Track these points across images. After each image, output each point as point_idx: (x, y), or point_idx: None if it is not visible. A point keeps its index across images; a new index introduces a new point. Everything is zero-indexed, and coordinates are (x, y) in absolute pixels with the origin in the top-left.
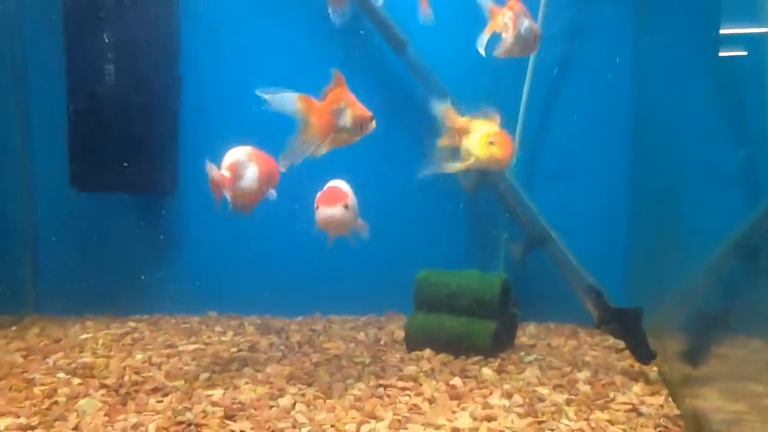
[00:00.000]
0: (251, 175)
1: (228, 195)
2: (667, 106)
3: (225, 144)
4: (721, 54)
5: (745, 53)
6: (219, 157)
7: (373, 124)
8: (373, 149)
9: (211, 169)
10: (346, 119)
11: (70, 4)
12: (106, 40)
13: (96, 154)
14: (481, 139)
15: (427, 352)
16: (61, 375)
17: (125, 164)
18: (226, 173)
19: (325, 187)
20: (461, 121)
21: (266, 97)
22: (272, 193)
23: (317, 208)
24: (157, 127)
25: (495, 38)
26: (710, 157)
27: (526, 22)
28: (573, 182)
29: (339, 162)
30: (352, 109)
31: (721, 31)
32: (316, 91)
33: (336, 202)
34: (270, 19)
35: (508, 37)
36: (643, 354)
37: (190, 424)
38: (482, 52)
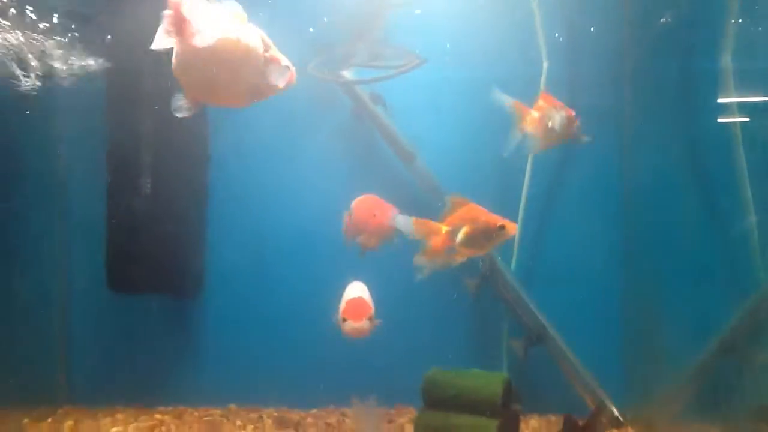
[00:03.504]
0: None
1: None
2: (652, 215)
3: (248, 249)
4: (703, 168)
5: (726, 169)
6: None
7: (509, 230)
8: (384, 251)
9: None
10: (465, 237)
11: (114, 124)
12: (144, 156)
13: (131, 261)
14: None
15: None
16: None
17: (157, 269)
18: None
19: (348, 296)
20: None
21: (398, 222)
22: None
23: (344, 320)
24: (186, 235)
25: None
26: (695, 261)
27: (557, 117)
28: (572, 287)
29: (353, 263)
30: (471, 225)
31: (703, 148)
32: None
33: (362, 316)
34: (294, 131)
35: (536, 136)
36: None
37: None
38: (506, 154)
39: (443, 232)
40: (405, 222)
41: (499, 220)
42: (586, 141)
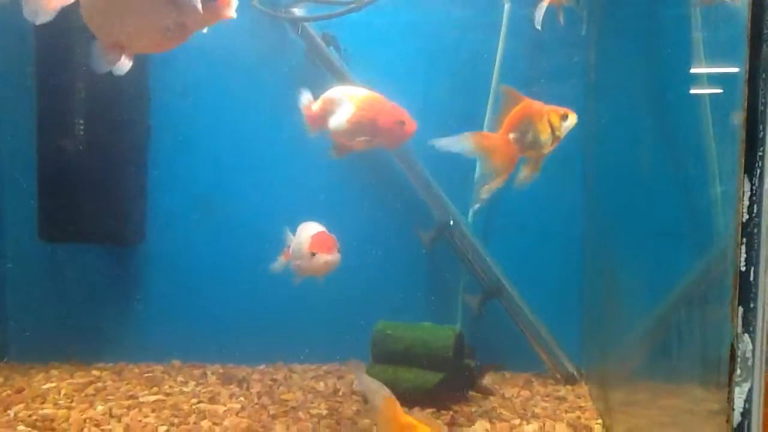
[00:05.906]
0: (343, 113)
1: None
2: (616, 163)
3: (193, 194)
4: (666, 116)
5: (688, 116)
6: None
7: (572, 119)
8: (336, 199)
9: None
10: (534, 135)
11: (43, 62)
12: (77, 94)
13: (64, 208)
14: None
15: None
16: (21, 428)
17: (94, 217)
18: (315, 106)
19: (309, 232)
20: None
21: (440, 143)
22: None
23: (313, 255)
24: (125, 179)
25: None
26: (657, 215)
27: None
28: (531, 240)
29: (301, 211)
30: (538, 120)
31: (666, 95)
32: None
33: (333, 248)
34: (240, 72)
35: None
36: None
37: None
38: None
39: (510, 138)
40: (454, 141)
41: (560, 110)
42: None
